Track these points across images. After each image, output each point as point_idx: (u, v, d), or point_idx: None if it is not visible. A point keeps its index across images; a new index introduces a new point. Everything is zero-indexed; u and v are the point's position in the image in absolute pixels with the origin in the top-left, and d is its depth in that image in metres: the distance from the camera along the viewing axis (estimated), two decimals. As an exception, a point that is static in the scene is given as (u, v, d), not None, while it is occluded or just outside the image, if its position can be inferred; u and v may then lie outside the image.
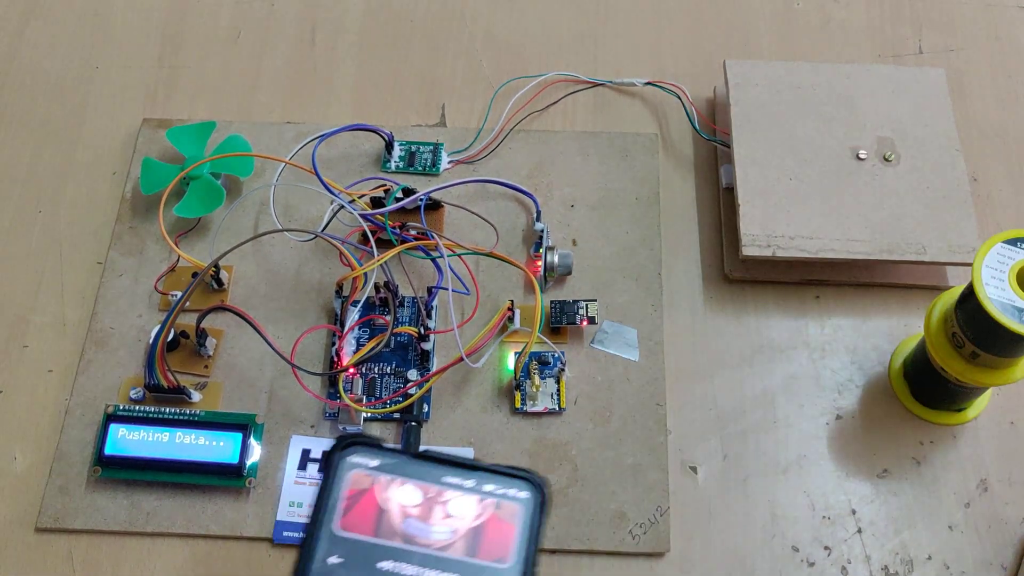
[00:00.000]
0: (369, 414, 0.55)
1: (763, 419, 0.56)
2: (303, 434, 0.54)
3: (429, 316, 0.57)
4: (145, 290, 0.59)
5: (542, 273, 0.58)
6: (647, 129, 0.65)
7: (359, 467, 0.37)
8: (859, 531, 0.52)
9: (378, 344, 0.55)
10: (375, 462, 0.37)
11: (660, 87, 0.66)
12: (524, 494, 0.37)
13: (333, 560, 0.35)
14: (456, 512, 0.36)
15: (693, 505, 0.53)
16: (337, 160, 0.63)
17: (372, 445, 0.37)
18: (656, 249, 0.60)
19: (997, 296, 0.45)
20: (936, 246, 0.56)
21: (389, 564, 0.35)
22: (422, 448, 0.37)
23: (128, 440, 0.53)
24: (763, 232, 0.56)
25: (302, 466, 0.53)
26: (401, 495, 0.36)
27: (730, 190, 0.61)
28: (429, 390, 0.55)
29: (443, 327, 0.57)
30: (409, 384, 0.55)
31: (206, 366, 0.56)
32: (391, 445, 0.37)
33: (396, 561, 0.35)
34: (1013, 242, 0.46)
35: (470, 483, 0.37)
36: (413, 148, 0.64)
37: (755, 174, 0.58)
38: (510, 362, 0.56)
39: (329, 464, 0.37)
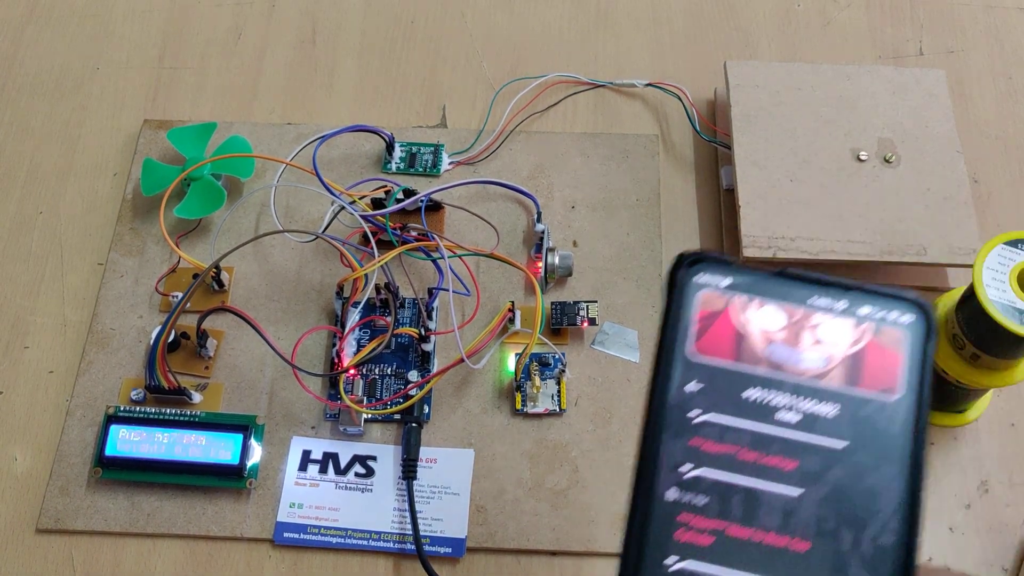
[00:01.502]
0: (370, 415, 0.55)
1: (764, 420, 0.55)
2: (304, 435, 0.54)
3: (430, 317, 0.57)
4: (146, 291, 0.59)
5: (543, 274, 0.58)
6: (648, 130, 0.65)
7: (709, 286, 0.32)
8: None
9: (379, 345, 0.55)
10: (727, 281, 0.32)
11: (661, 88, 0.66)
12: (908, 318, 0.31)
13: (691, 387, 0.31)
14: (828, 337, 0.31)
15: (694, 506, 0.53)
16: (338, 161, 0.63)
17: (722, 262, 0.32)
18: (657, 250, 0.60)
19: (998, 298, 0.45)
20: (937, 247, 0.56)
21: (756, 392, 0.31)
22: (784, 267, 0.33)
23: (129, 441, 0.53)
24: (764, 233, 0.56)
25: (303, 467, 0.53)
26: (762, 317, 0.32)
27: (731, 191, 0.61)
28: (430, 391, 0.55)
29: (444, 328, 0.57)
30: (410, 385, 0.55)
31: (207, 367, 0.56)
32: (744, 264, 0.32)
33: (764, 389, 0.31)
34: (1014, 243, 0.46)
35: (842, 305, 0.32)
36: (414, 149, 0.64)
37: (756, 175, 0.58)
38: (511, 363, 0.56)
39: (673, 284, 0.32)
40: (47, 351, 0.58)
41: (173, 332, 0.55)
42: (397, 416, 0.55)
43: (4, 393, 0.57)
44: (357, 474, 0.53)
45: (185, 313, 0.57)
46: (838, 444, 0.30)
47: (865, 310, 0.32)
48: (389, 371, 0.56)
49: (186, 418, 0.54)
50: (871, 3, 0.72)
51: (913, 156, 0.59)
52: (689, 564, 0.29)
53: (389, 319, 0.56)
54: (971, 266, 0.50)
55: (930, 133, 0.60)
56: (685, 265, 0.32)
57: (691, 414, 0.31)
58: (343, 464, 0.54)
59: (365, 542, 0.52)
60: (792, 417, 0.31)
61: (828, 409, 0.31)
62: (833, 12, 0.71)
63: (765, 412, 0.31)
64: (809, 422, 0.30)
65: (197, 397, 0.55)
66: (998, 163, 0.64)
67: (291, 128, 0.65)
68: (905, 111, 0.61)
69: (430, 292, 0.57)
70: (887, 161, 0.59)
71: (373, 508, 0.52)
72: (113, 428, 0.53)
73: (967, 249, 0.56)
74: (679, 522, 0.30)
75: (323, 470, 0.53)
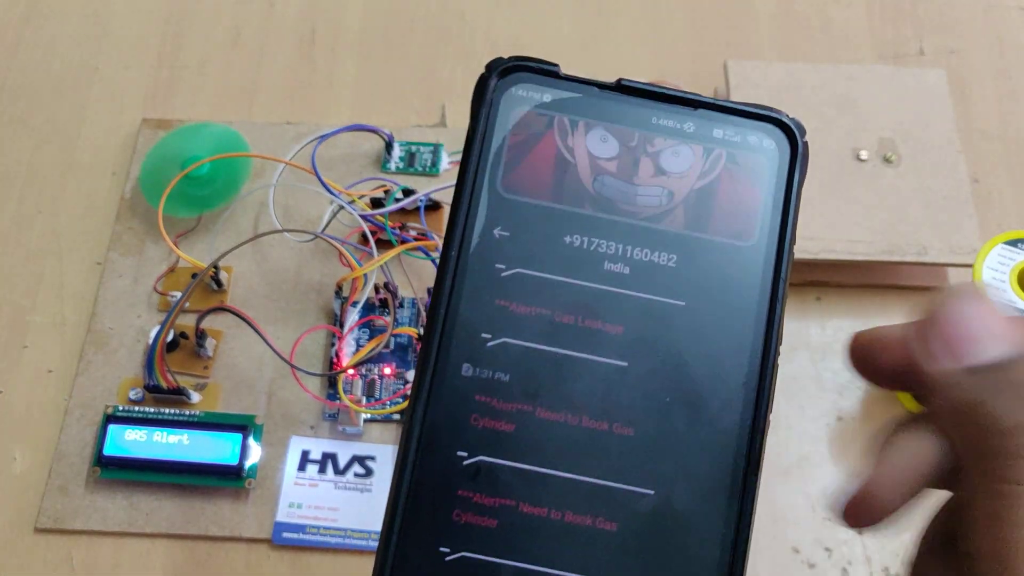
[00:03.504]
0: (369, 415, 0.55)
1: (763, 420, 0.55)
2: (302, 435, 0.54)
3: (429, 317, 0.57)
4: (144, 291, 0.59)
5: (542, 274, 0.58)
6: (647, 130, 0.65)
7: (527, 103, 0.26)
8: (860, 532, 0.52)
9: (378, 345, 0.55)
10: (549, 96, 0.26)
11: (660, 88, 0.66)
12: (770, 142, 0.25)
13: (500, 232, 0.25)
14: (672, 167, 0.26)
15: (693, 506, 0.53)
16: (337, 160, 0.63)
17: (544, 71, 0.26)
18: (656, 250, 0.60)
19: (998, 297, 0.45)
20: (937, 247, 0.56)
21: (578, 239, 0.25)
22: (620, 78, 0.26)
23: (127, 441, 0.53)
24: (764, 233, 0.56)
25: (301, 467, 0.53)
26: (592, 143, 0.26)
27: (731, 191, 0.61)
28: (429, 391, 0.55)
29: (443, 328, 0.57)
30: (408, 385, 0.55)
31: (205, 367, 0.56)
32: (572, 74, 0.26)
33: (588, 235, 0.25)
34: (1014, 243, 0.46)
35: (690, 127, 0.26)
36: (413, 148, 0.64)
37: (756, 175, 0.58)
38: (510, 363, 0.56)
39: (482, 97, 0.25)
40: (46, 351, 0.58)
41: (172, 332, 0.55)
42: (396, 416, 0.54)
43: (3, 393, 0.56)
44: (356, 474, 0.53)
45: (184, 313, 0.56)
46: (676, 303, 0.25)
47: (718, 132, 0.26)
48: (388, 371, 0.56)
49: (185, 418, 0.54)
50: (871, 3, 0.72)
51: (913, 156, 0.59)
52: (485, 459, 0.24)
53: (388, 319, 0.56)
54: (971, 266, 0.50)
55: (930, 133, 0.60)
56: (496, 74, 0.25)
57: (499, 266, 0.25)
58: (342, 464, 0.53)
59: (364, 542, 0.52)
60: (622, 269, 0.25)
61: (666, 259, 0.25)
62: (833, 12, 0.71)
63: (589, 263, 0.25)
64: (642, 275, 0.25)
65: (196, 397, 0.55)
66: (998, 163, 0.64)
67: (290, 128, 0.65)
68: (905, 111, 0.61)
69: (429, 292, 0.57)
70: (887, 161, 0.59)
71: (372, 508, 0.52)
72: (112, 428, 0.53)
73: (967, 249, 0.56)
74: (477, 404, 0.24)
75: (322, 470, 0.53)
